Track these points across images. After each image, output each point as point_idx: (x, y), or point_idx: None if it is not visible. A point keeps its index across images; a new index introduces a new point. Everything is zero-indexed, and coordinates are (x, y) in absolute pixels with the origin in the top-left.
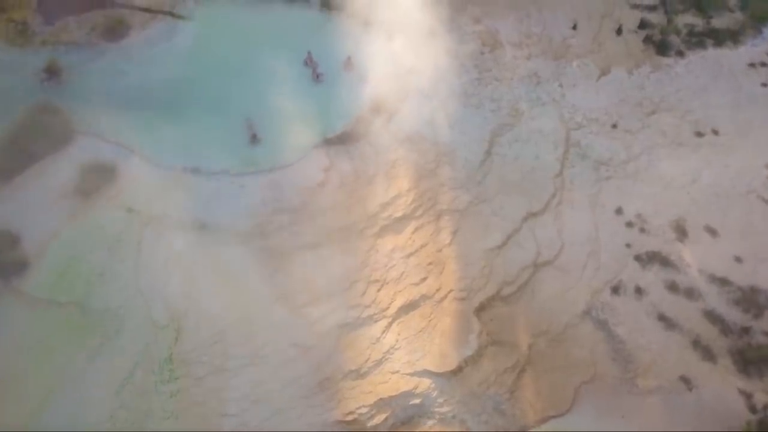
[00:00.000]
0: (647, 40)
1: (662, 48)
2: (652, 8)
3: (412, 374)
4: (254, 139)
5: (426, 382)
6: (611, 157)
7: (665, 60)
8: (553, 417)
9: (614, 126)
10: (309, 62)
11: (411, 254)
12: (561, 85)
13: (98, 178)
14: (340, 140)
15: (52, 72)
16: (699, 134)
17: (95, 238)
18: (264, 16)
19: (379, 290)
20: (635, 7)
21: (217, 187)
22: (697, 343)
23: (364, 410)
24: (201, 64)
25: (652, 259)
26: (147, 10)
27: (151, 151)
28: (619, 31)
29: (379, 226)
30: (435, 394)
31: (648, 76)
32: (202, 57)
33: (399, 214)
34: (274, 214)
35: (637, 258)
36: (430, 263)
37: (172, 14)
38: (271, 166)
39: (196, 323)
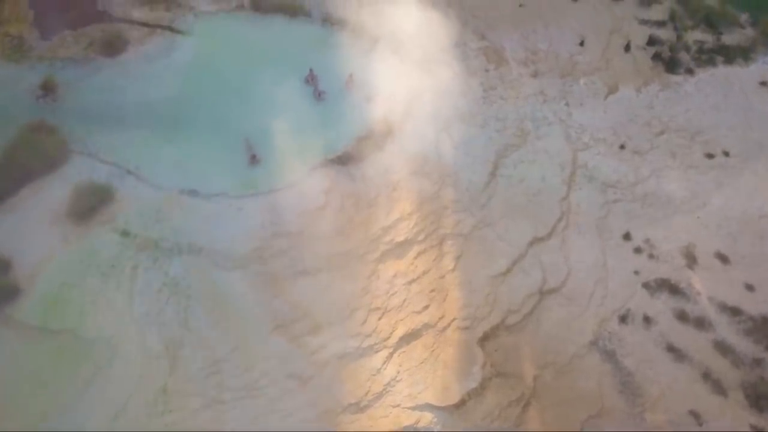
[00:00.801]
0: (656, 57)
1: (671, 65)
2: (661, 24)
3: (413, 408)
4: (253, 159)
5: (428, 417)
6: (619, 180)
7: (674, 78)
8: None
9: (622, 147)
10: (310, 80)
11: (413, 281)
12: (567, 104)
13: (93, 199)
14: (341, 161)
15: (47, 88)
16: (709, 156)
17: (89, 263)
18: (265, 31)
19: (380, 318)
20: (644, 23)
21: (215, 209)
22: (707, 376)
23: None
24: (200, 81)
25: (661, 286)
26: (145, 24)
27: (148, 172)
28: (627, 48)
29: (380, 251)
30: (437, 429)
31: (657, 95)
32: (201, 73)
33: (401, 238)
34: (273, 238)
35: (646, 286)
36: (432, 290)
37: (171, 29)
38: (271, 188)
39: (192, 353)
